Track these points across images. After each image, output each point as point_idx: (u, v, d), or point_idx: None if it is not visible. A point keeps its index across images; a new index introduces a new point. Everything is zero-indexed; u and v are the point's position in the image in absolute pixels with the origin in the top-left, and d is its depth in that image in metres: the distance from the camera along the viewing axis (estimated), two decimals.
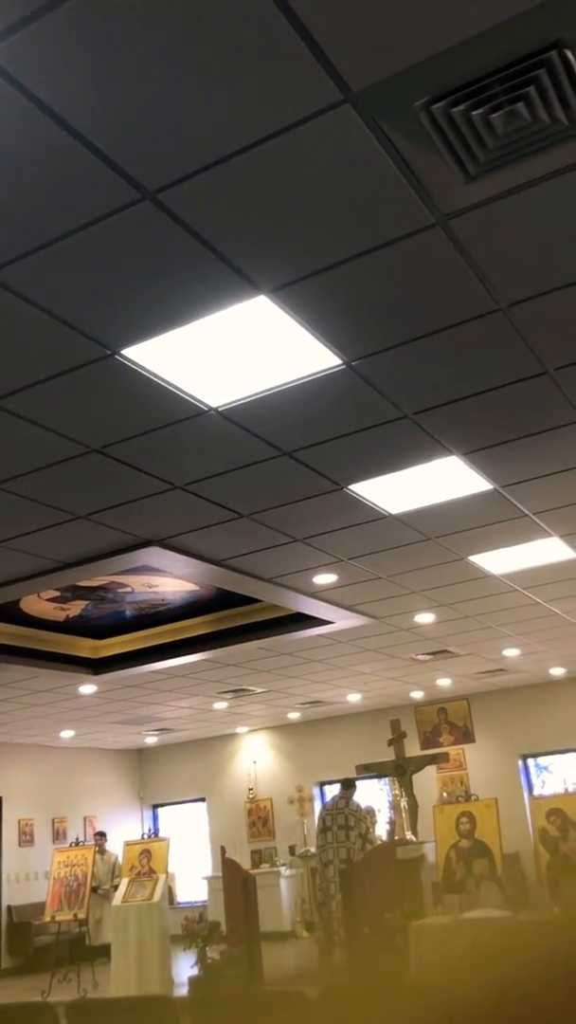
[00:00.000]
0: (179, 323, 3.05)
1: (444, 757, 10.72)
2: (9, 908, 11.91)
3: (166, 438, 3.92)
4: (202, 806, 14.65)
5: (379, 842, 9.37)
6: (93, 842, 11.66)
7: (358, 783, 9.86)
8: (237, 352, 3.29)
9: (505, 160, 2.39)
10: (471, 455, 4.48)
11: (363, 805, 9.56)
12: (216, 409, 3.71)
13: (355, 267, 2.84)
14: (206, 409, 3.70)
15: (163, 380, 3.42)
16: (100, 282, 2.78)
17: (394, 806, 9.77)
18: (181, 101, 2.12)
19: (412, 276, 2.93)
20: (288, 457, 4.26)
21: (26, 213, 2.44)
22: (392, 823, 9.60)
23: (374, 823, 9.96)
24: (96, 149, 2.23)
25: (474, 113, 2.20)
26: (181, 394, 3.55)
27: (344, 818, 9.20)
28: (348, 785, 9.60)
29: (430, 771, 11.62)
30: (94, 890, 10.52)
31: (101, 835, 11.90)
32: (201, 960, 8.05)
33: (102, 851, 11.40)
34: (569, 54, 2.06)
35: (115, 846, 11.51)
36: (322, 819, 9.46)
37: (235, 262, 2.75)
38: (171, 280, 2.80)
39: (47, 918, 9.98)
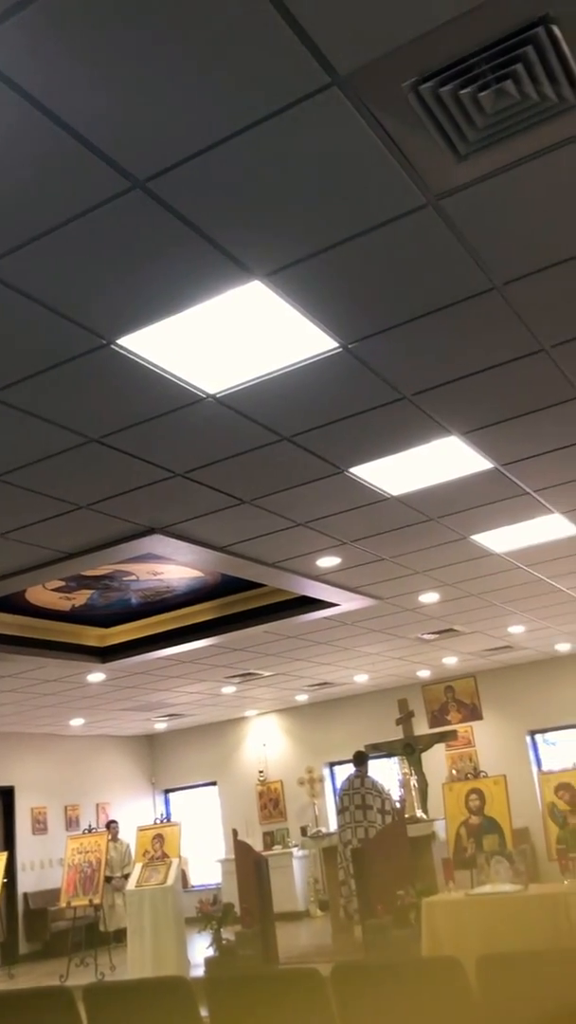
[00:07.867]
0: (174, 311, 3.05)
1: (452, 735, 10.76)
2: (25, 895, 12.04)
3: (165, 426, 3.93)
4: (213, 790, 14.75)
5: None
6: (106, 830, 11.80)
7: (368, 761, 9.83)
8: (233, 338, 3.29)
9: (495, 138, 2.38)
10: (470, 434, 4.48)
11: (378, 782, 9.46)
12: (214, 396, 3.71)
13: (348, 250, 2.83)
14: (204, 396, 3.70)
15: (160, 368, 3.42)
16: (93, 272, 2.78)
17: (404, 785, 9.81)
18: (168, 89, 2.11)
19: (406, 257, 2.92)
20: (287, 442, 4.26)
21: (17, 206, 2.43)
22: (402, 802, 9.62)
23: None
24: (85, 139, 2.23)
25: (462, 92, 2.19)
26: (178, 382, 3.55)
27: (360, 797, 9.13)
28: (361, 760, 9.50)
29: (439, 749, 11.68)
30: (108, 879, 10.63)
31: (113, 823, 12.12)
32: (216, 941, 8.14)
33: (114, 839, 11.57)
34: (556, 29, 2.05)
35: (128, 832, 11.64)
36: (340, 799, 9.43)
37: (228, 248, 2.75)
38: (164, 268, 2.80)
39: (63, 904, 10.10)
